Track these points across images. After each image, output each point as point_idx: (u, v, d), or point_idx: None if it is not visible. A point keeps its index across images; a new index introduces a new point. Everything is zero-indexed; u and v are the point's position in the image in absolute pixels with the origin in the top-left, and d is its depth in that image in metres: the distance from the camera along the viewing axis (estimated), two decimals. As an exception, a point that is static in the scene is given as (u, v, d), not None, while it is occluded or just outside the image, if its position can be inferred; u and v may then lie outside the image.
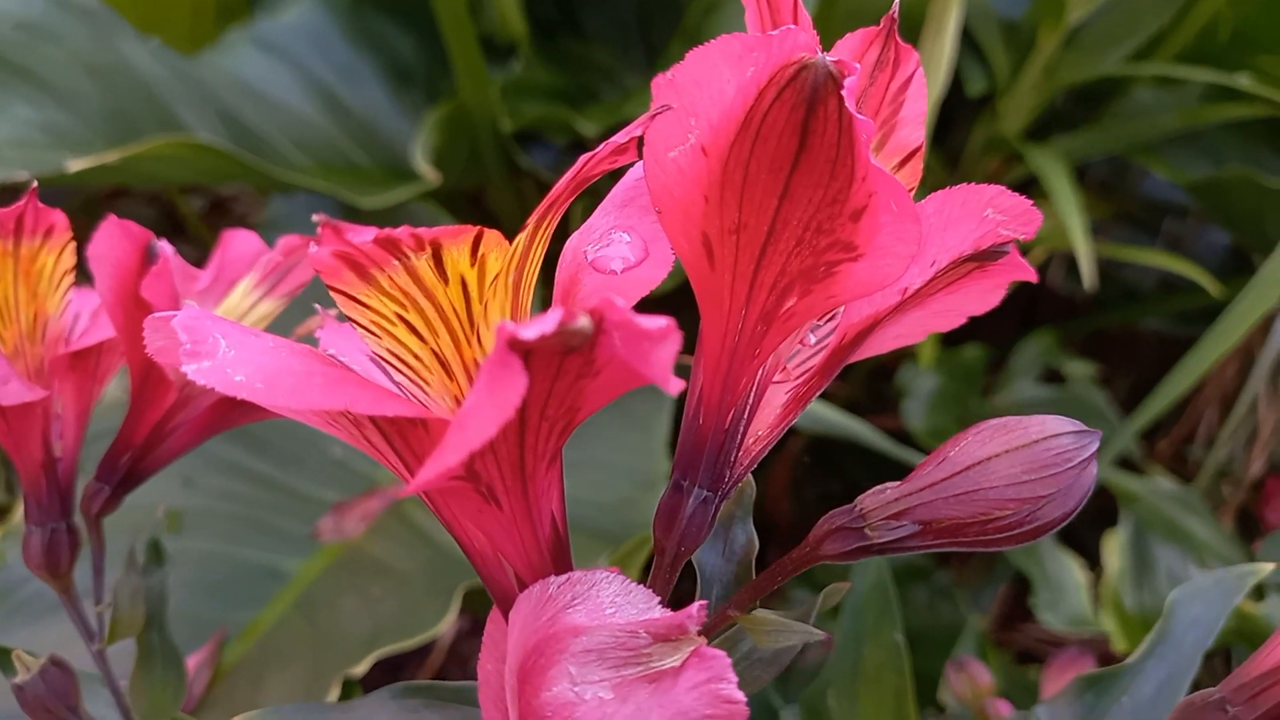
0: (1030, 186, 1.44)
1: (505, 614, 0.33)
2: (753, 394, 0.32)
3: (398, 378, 0.31)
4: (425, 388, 0.31)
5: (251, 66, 1.24)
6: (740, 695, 0.26)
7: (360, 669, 0.77)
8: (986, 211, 0.32)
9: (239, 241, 0.48)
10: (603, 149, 0.27)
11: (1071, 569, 1.38)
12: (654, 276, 0.32)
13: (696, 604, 0.28)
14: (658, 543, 0.33)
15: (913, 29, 1.04)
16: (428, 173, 1.08)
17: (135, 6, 1.23)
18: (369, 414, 0.27)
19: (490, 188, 1.27)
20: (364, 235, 0.25)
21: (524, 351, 0.23)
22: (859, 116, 0.26)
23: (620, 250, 0.32)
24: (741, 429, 0.32)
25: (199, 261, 0.51)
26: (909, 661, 0.61)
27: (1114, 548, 1.35)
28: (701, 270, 0.31)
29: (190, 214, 1.64)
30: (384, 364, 0.31)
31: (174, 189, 1.47)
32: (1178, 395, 1.08)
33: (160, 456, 0.46)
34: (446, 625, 0.81)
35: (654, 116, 0.28)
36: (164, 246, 0.41)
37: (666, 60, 1.18)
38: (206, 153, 0.96)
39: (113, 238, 0.41)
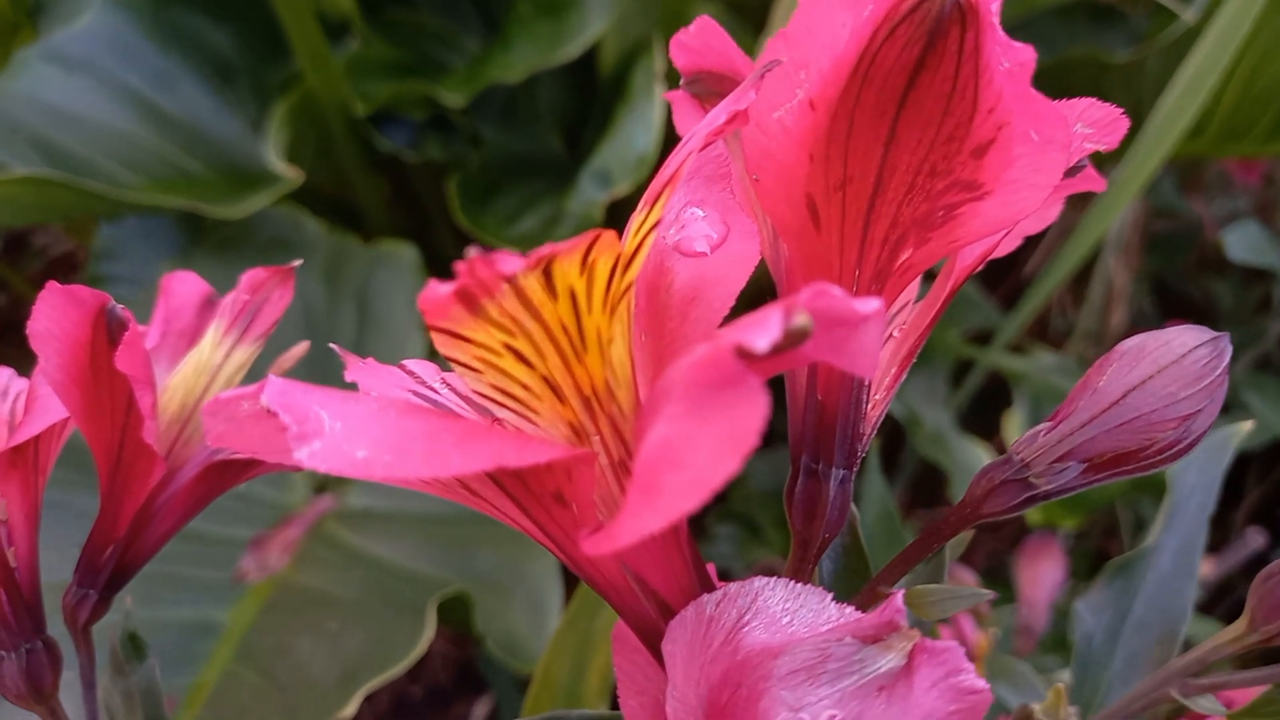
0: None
1: (649, 645, 0.30)
2: (869, 358, 0.30)
3: (501, 413, 0.27)
4: (534, 418, 0.27)
5: (53, 87, 1.11)
6: (983, 683, 0.24)
7: (349, 710, 0.72)
8: (1076, 126, 0.30)
9: (180, 286, 0.42)
10: (720, 118, 0.24)
11: (978, 453, 1.43)
12: (749, 251, 0.29)
13: (898, 594, 0.26)
14: (798, 535, 0.30)
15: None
16: (286, 172, 1.00)
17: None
18: (520, 466, 0.23)
19: (346, 177, 1.19)
20: (514, 263, 0.21)
21: (756, 365, 0.19)
22: (1003, 42, 0.24)
23: (700, 229, 0.29)
24: (865, 398, 0.30)
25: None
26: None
27: (1013, 425, 1.41)
28: (806, 235, 0.28)
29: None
30: (486, 400, 0.27)
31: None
32: (1062, 278, 1.13)
33: (146, 544, 0.40)
34: (425, 646, 0.76)
35: (763, 75, 0.25)
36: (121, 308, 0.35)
37: (515, 18, 1.12)
38: (46, 188, 0.86)
39: (57, 309, 0.34)
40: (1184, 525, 0.56)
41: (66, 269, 1.76)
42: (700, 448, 0.20)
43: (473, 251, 0.20)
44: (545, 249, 0.23)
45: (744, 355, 0.19)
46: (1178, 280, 1.90)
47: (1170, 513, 0.56)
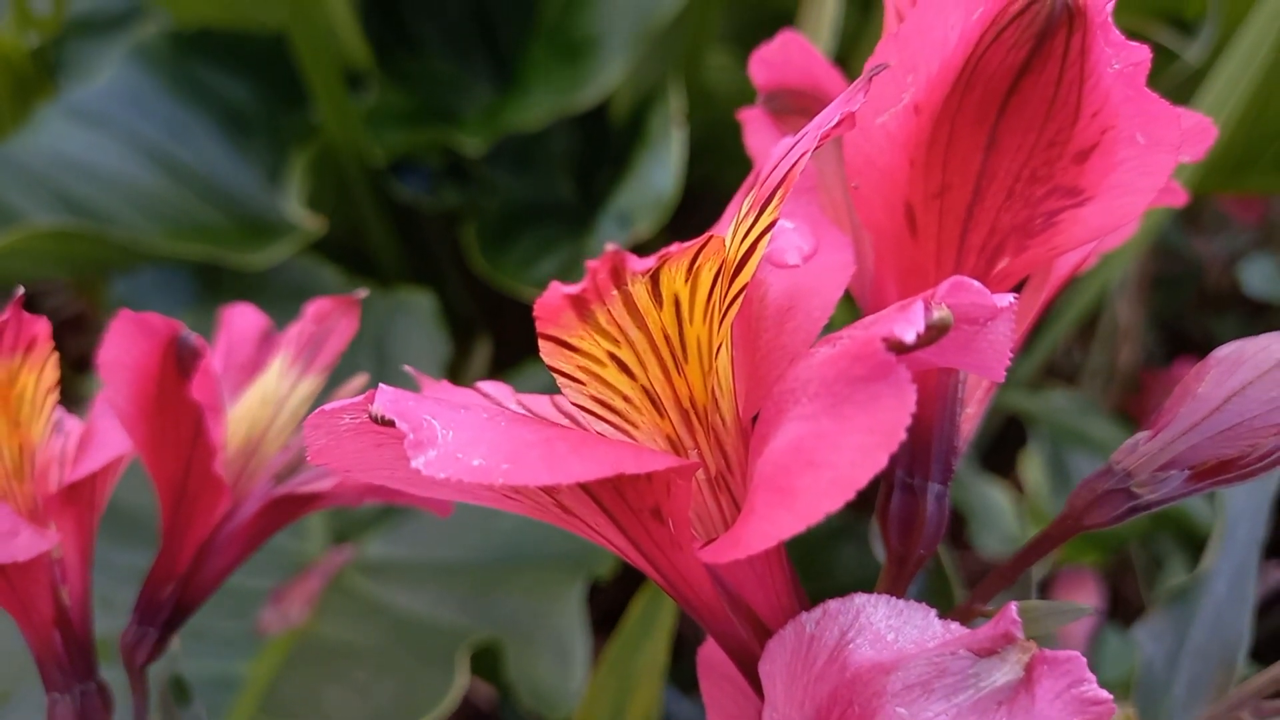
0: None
1: (742, 668, 0.29)
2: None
3: (598, 426, 0.27)
4: (633, 431, 0.27)
5: (73, 141, 1.12)
6: (1106, 694, 0.24)
7: (383, 762, 0.70)
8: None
9: (240, 319, 0.41)
10: (832, 118, 0.24)
11: (995, 494, 1.42)
12: (842, 261, 0.29)
13: (1011, 605, 0.25)
14: (893, 552, 0.30)
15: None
16: (308, 221, 1.00)
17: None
18: (638, 473, 0.23)
19: (361, 225, 1.20)
20: (644, 262, 0.21)
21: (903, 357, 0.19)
22: (1116, 42, 0.24)
23: (791, 239, 0.29)
24: (959, 410, 0.30)
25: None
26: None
27: (1031, 465, 1.40)
28: (902, 243, 0.28)
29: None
30: (584, 413, 0.26)
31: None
32: (1078, 316, 1.13)
33: (205, 581, 0.39)
34: (459, 695, 0.75)
35: (871, 78, 0.25)
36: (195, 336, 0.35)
37: (529, 64, 1.13)
38: (70, 240, 0.86)
39: (129, 338, 0.34)
40: (1237, 550, 0.56)
41: (77, 330, 1.75)
42: (842, 445, 0.19)
43: (610, 246, 0.20)
44: (671, 249, 0.23)
45: (893, 347, 0.19)
46: (1176, 319, 1.91)
47: (1223, 538, 0.55)
